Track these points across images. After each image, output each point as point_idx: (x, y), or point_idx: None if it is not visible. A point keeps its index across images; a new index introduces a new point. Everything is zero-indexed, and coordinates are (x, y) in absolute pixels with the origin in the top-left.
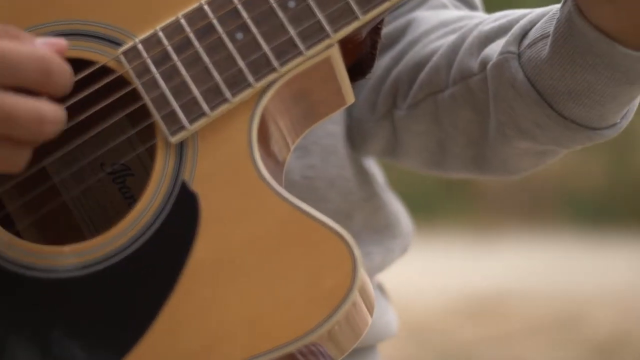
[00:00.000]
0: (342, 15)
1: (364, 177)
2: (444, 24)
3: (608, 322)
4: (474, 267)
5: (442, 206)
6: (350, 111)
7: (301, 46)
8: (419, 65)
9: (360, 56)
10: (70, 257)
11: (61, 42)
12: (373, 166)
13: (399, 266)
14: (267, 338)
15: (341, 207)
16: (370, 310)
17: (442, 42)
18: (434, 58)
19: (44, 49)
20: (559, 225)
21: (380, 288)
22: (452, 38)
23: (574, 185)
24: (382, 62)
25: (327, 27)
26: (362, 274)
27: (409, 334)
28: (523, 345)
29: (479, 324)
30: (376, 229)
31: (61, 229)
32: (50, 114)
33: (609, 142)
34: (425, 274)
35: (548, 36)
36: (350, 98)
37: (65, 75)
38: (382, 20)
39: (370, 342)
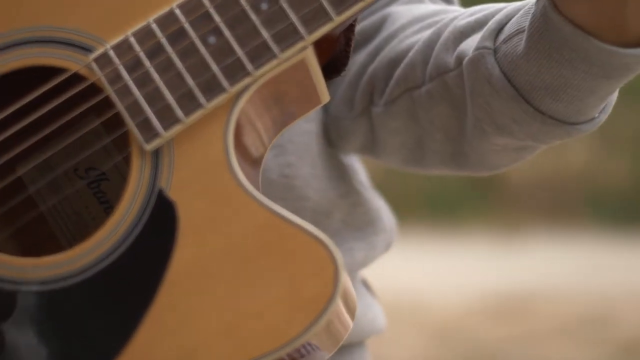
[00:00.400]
0: (316, 17)
1: (341, 174)
2: (419, 19)
3: (634, 321)
4: (499, 266)
5: (466, 205)
6: (327, 108)
7: (275, 49)
8: (395, 62)
9: (334, 54)
10: (47, 269)
11: None
12: (354, 162)
13: (423, 265)
14: (247, 348)
15: (319, 205)
16: (352, 314)
17: (417, 38)
18: (410, 54)
19: None
20: (583, 224)
21: (364, 284)
22: (427, 33)
23: (599, 183)
24: (358, 59)
25: (301, 29)
26: (345, 279)
27: (433, 334)
28: (548, 345)
29: (503, 323)
30: (357, 225)
31: (39, 239)
32: None
33: (634, 141)
34: (450, 274)
35: (524, 31)
36: (325, 97)
37: None
38: (355, 18)
39: (357, 338)
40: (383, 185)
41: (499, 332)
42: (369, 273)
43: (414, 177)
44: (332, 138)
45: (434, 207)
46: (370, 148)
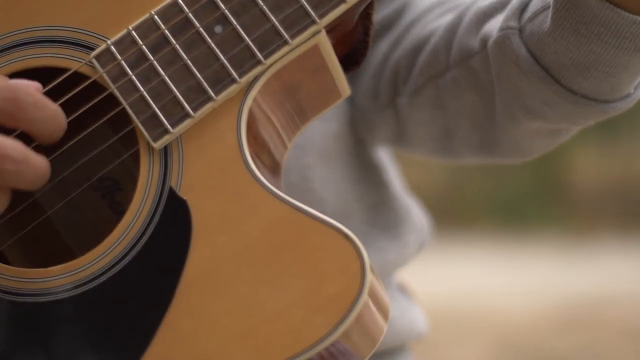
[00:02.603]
0: None
1: (363, 174)
2: (440, 3)
3: None
4: (566, 273)
5: (533, 212)
6: (353, 102)
7: (285, 35)
8: (417, 49)
9: (352, 45)
10: (59, 278)
11: (35, 84)
12: (383, 161)
13: (489, 272)
14: (269, 353)
15: (338, 208)
16: (384, 313)
17: (439, 23)
18: (432, 40)
19: (14, 82)
20: None
21: (400, 287)
22: (449, 17)
23: None
24: (380, 48)
25: (312, 12)
26: (371, 275)
27: (498, 342)
28: (618, 354)
29: (570, 332)
30: (383, 225)
31: (48, 249)
32: (9, 149)
33: None
34: (516, 281)
35: (549, 7)
36: (345, 90)
37: (41, 109)
38: (372, 5)
39: (396, 342)
40: (449, 192)
41: (566, 341)
42: (430, 279)
43: (480, 183)
44: (359, 132)
45: (501, 214)
46: (398, 140)
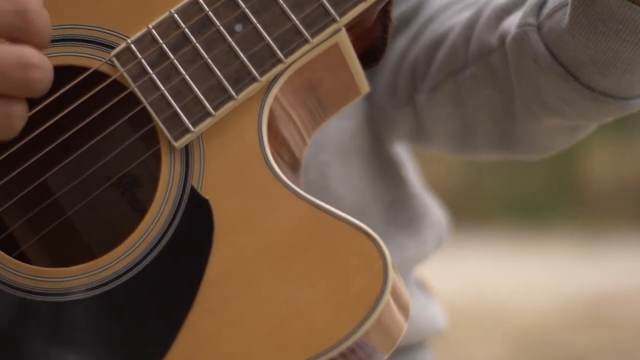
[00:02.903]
0: None
1: (380, 172)
2: (458, 0)
3: None
4: (581, 270)
5: (548, 209)
6: (371, 99)
7: (306, 33)
8: (436, 45)
9: (371, 42)
10: (80, 278)
11: None
12: (402, 158)
13: (505, 269)
14: (293, 352)
15: (355, 206)
16: (404, 311)
17: (457, 19)
18: (451, 36)
19: None
20: None
21: (419, 283)
22: (467, 13)
23: None
24: (398, 44)
25: (332, 11)
26: (394, 273)
27: (515, 338)
28: (634, 350)
29: (586, 329)
30: (402, 222)
31: (69, 248)
32: (33, 58)
33: None
34: (532, 278)
35: (567, 4)
36: (364, 87)
37: (44, 18)
38: (390, 2)
39: (415, 338)
40: (465, 189)
41: (583, 338)
42: (447, 275)
43: (496, 180)
44: (377, 129)
45: (517, 211)
46: (417, 136)
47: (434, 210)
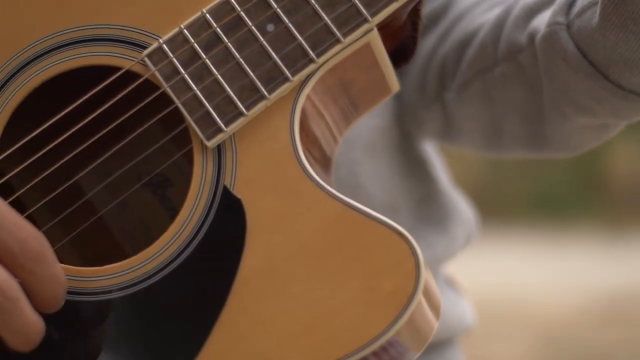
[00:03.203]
0: None
1: (408, 169)
2: None
3: None
4: (605, 267)
5: (571, 206)
6: (400, 97)
7: (338, 33)
8: (465, 43)
9: (401, 41)
10: (112, 277)
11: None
12: (429, 155)
13: (528, 266)
14: (326, 351)
15: (385, 203)
16: (436, 310)
17: (486, 17)
18: (480, 34)
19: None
20: None
21: (448, 280)
22: (496, 12)
23: None
24: (427, 42)
25: (364, 11)
26: (426, 273)
27: (538, 336)
28: None
29: (610, 326)
30: (431, 220)
31: (101, 247)
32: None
33: None
34: (555, 275)
35: (597, 3)
36: (395, 86)
37: (48, 267)
38: (421, 1)
39: (444, 336)
40: (489, 186)
41: (607, 335)
42: (470, 273)
43: (520, 177)
44: (407, 128)
45: (540, 208)
46: (445, 134)
47: (463, 207)
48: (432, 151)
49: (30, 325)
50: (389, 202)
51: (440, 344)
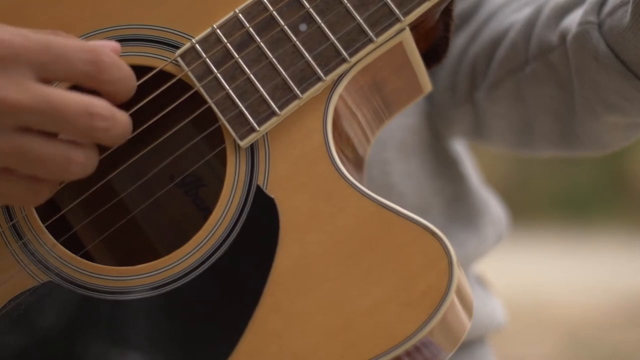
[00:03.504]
0: None
1: (439, 168)
2: None
3: None
4: (631, 267)
5: (596, 205)
6: (430, 97)
7: (370, 33)
8: (496, 42)
9: (434, 41)
10: (145, 276)
11: (113, 43)
12: (460, 154)
13: (553, 266)
14: (359, 350)
15: (417, 202)
16: (468, 310)
17: (517, 16)
18: (511, 34)
19: (94, 44)
20: None
21: (479, 279)
22: (527, 11)
23: None
24: (457, 41)
25: (397, 10)
26: (459, 272)
27: (563, 335)
28: None
29: (636, 326)
30: (462, 218)
31: (132, 246)
32: (100, 108)
33: None
34: (580, 275)
35: (628, 2)
36: (427, 85)
37: (119, 70)
38: (452, 1)
39: (475, 334)
40: (514, 186)
41: (631, 335)
42: (495, 272)
43: (545, 176)
44: (436, 127)
45: (566, 208)
46: (476, 133)
47: (494, 206)
48: (462, 150)
49: (125, 123)
50: (421, 201)
51: (471, 343)
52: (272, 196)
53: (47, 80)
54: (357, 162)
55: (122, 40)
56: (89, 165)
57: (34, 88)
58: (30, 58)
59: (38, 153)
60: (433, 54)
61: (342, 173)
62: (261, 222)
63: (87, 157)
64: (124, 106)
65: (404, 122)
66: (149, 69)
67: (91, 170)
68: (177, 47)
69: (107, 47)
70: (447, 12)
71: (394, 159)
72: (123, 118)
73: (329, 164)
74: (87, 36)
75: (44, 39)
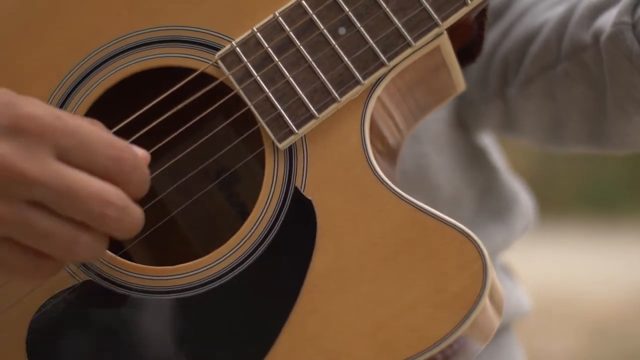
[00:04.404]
0: (450, 1)
1: (470, 159)
2: None
3: None
4: None
5: (623, 200)
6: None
7: (409, 37)
8: (528, 40)
9: (468, 39)
10: (186, 276)
11: (143, 152)
12: (487, 145)
13: (580, 260)
14: (394, 351)
15: (451, 194)
16: (499, 310)
17: (550, 14)
18: (543, 31)
19: (124, 144)
20: None
21: (505, 267)
22: (560, 9)
23: None
24: (489, 37)
25: (435, 15)
26: (493, 274)
27: (591, 329)
28: None
29: None
30: (492, 210)
31: (171, 246)
32: (115, 197)
33: None
34: (608, 270)
35: None
36: (461, 85)
37: (138, 174)
38: (488, 2)
39: (502, 322)
40: (539, 179)
41: None
42: (521, 266)
43: (572, 171)
44: (465, 121)
45: (592, 202)
46: (506, 128)
47: (523, 198)
48: (489, 142)
49: (137, 218)
50: (455, 193)
51: (496, 331)
52: (310, 198)
53: (67, 163)
54: (390, 160)
55: (160, 42)
56: (96, 249)
57: (53, 165)
58: (56, 138)
59: (44, 228)
60: (467, 52)
61: (379, 176)
62: (298, 223)
63: (94, 240)
64: (161, 107)
65: (439, 115)
66: (188, 70)
67: (99, 254)
68: (216, 49)
69: (135, 150)
70: (482, 11)
71: (430, 152)
72: (136, 212)
73: (366, 166)
74: (127, 37)
75: (76, 124)
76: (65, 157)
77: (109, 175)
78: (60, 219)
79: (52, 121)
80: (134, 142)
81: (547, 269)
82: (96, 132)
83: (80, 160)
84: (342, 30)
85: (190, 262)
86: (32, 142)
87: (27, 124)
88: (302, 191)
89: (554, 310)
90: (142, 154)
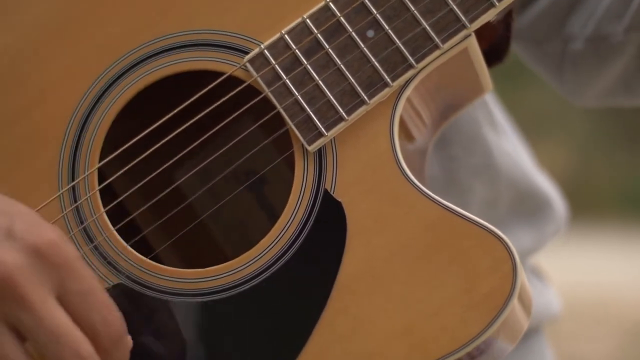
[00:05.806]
0: (477, 3)
1: (509, 161)
2: None
3: None
4: None
5: None
6: (520, 35)
7: (437, 39)
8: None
9: (495, 40)
10: (217, 278)
11: (129, 340)
12: (519, 148)
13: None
14: (425, 351)
15: (485, 196)
16: (527, 311)
17: None
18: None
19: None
20: None
21: (535, 269)
22: None
23: None
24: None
25: (463, 17)
26: (522, 275)
27: (626, 332)
28: None
29: None
30: (524, 212)
31: (198, 246)
32: (86, 353)
33: None
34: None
35: None
36: (488, 86)
37: (117, 348)
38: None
39: (532, 324)
40: (574, 181)
41: None
42: (556, 269)
43: (609, 172)
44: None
45: (627, 204)
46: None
47: (555, 199)
48: (520, 145)
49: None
50: (489, 195)
51: (526, 333)
52: (340, 200)
53: (63, 303)
54: (420, 161)
55: (191, 45)
56: None
57: (52, 302)
58: (68, 277)
59: (9, 357)
60: (494, 53)
61: (409, 177)
62: (329, 225)
63: None
64: (190, 111)
65: (474, 115)
66: (216, 73)
67: None
68: (245, 52)
69: (124, 326)
70: (508, 12)
71: (460, 154)
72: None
73: (395, 167)
74: (155, 41)
75: (89, 274)
76: (64, 297)
77: (94, 334)
78: (26, 355)
79: (74, 259)
80: (165, 145)
81: (584, 272)
82: (102, 290)
83: (76, 307)
84: (370, 33)
85: (220, 265)
86: (46, 268)
87: (48, 249)
88: (332, 193)
89: (591, 314)
90: (129, 339)
